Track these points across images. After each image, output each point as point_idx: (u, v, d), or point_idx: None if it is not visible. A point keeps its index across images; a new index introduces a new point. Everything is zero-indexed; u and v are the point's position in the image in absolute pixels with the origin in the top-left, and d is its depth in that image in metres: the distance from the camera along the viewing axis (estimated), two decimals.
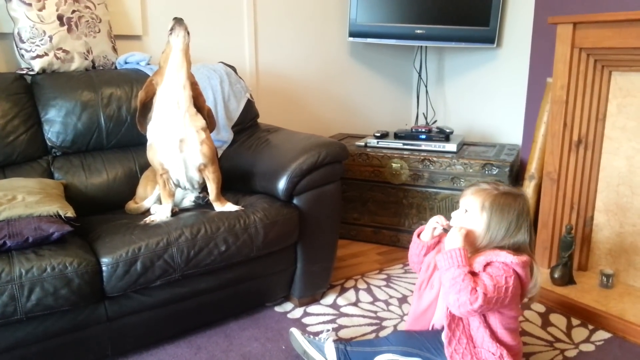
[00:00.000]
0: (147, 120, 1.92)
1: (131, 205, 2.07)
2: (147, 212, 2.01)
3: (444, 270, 1.50)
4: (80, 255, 1.58)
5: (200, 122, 1.91)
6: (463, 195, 1.63)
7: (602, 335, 1.95)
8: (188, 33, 1.83)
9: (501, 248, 1.53)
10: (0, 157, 1.95)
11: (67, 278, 1.52)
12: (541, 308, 2.13)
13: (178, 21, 1.82)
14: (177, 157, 1.89)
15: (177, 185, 1.98)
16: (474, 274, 1.49)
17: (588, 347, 1.88)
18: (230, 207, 1.95)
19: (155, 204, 2.02)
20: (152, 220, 1.85)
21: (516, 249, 1.54)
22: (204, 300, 1.88)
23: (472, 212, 1.57)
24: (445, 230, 1.63)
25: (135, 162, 2.18)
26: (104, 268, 1.61)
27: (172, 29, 1.82)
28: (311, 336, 1.80)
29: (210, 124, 2.00)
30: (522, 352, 1.66)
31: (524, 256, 1.51)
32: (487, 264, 1.50)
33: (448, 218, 1.80)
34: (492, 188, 1.60)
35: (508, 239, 1.54)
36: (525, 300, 1.66)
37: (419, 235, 1.73)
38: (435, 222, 1.67)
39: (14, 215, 1.62)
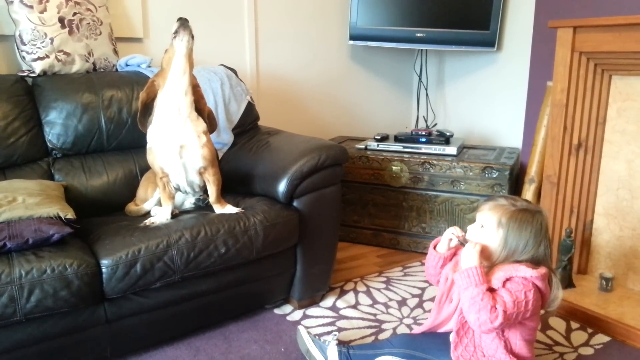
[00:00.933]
0: (148, 121, 1.92)
1: (131, 207, 2.07)
2: (147, 214, 2.01)
3: (463, 290, 1.50)
4: (80, 257, 1.58)
5: (201, 126, 1.91)
6: (480, 210, 1.61)
7: (601, 338, 1.95)
8: (192, 37, 1.82)
9: (519, 262, 1.52)
10: (1, 158, 1.96)
11: (66, 279, 1.53)
12: (540, 311, 2.13)
13: (183, 24, 1.79)
14: (177, 162, 1.88)
15: (177, 189, 1.98)
16: (493, 290, 1.49)
17: (587, 351, 1.88)
18: (230, 209, 1.95)
19: (156, 206, 2.03)
20: (152, 223, 1.86)
21: (535, 262, 1.53)
22: (203, 302, 1.88)
23: (489, 228, 1.56)
24: (461, 243, 1.61)
25: (135, 164, 2.18)
26: (103, 270, 1.62)
27: (176, 32, 1.79)
28: (317, 337, 1.80)
29: (211, 125, 2.00)
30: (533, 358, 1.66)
31: (543, 269, 1.51)
32: (507, 280, 1.49)
33: (448, 221, 1.81)
34: (509, 204, 1.57)
35: (526, 254, 1.52)
36: (542, 312, 1.66)
37: (435, 247, 1.72)
38: (451, 234, 1.65)
39: (14, 216, 1.62)
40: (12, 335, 1.51)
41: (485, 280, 1.49)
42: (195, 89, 1.91)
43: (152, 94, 1.88)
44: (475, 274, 1.48)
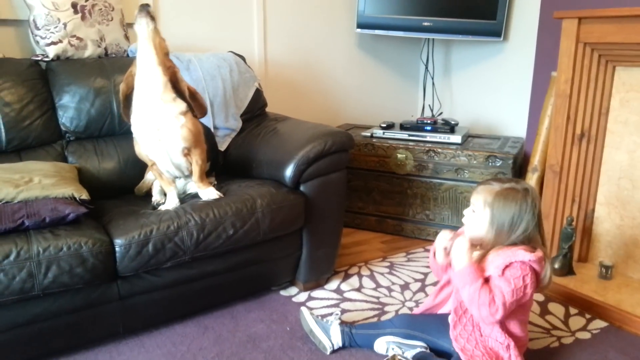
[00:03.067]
0: (130, 111, 1.92)
1: (138, 185, 2.14)
2: (150, 190, 2.07)
3: (460, 289, 1.55)
4: (94, 236, 1.64)
5: (180, 106, 1.88)
6: (472, 195, 1.65)
7: (598, 324, 2.00)
8: (152, 18, 1.81)
9: (516, 245, 1.56)
10: (16, 140, 2.01)
11: (82, 257, 1.59)
12: (540, 297, 2.18)
13: (140, 9, 1.80)
14: (157, 146, 1.88)
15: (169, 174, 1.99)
16: (487, 280, 1.54)
17: (584, 335, 1.93)
18: (211, 191, 1.96)
19: (158, 190, 2.07)
20: (161, 209, 1.91)
21: (529, 243, 1.57)
22: (212, 282, 1.94)
23: (478, 209, 1.61)
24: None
25: None
26: (117, 249, 1.68)
27: (135, 18, 1.80)
28: (319, 317, 1.86)
29: (199, 107, 1.97)
30: (527, 342, 1.71)
31: (539, 252, 1.55)
32: (506, 267, 1.53)
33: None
34: (497, 185, 1.61)
35: (516, 233, 1.56)
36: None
37: (434, 254, 1.73)
38: (444, 239, 1.67)
39: (31, 196, 1.68)
40: (30, 309, 1.58)
41: (480, 274, 1.53)
42: (171, 70, 1.89)
43: (131, 84, 1.87)
44: (469, 273, 1.53)
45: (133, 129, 1.91)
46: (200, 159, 1.94)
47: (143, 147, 1.91)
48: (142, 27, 1.81)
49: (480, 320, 1.56)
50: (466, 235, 1.62)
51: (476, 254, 1.62)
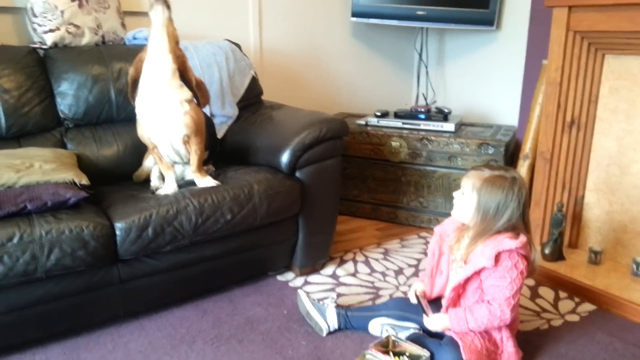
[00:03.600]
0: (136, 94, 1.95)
1: (137, 172, 2.17)
2: (149, 177, 2.10)
3: (468, 327, 1.61)
4: (95, 220, 1.68)
5: (185, 94, 1.93)
6: (463, 178, 1.69)
7: (587, 307, 2.06)
8: (168, 7, 1.86)
9: (500, 232, 1.59)
10: (16, 127, 2.03)
11: (83, 240, 1.62)
12: (531, 282, 2.23)
13: None
14: (160, 130, 1.92)
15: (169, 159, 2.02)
16: (478, 272, 1.59)
17: (573, 318, 1.99)
18: (209, 180, 1.99)
19: (156, 175, 2.10)
20: (159, 194, 1.94)
21: (512, 230, 1.60)
22: (210, 266, 1.98)
23: (466, 193, 1.64)
24: (421, 306, 1.71)
25: None
26: (117, 232, 1.71)
27: (151, 4, 1.85)
28: (316, 300, 1.90)
29: (203, 97, 2.02)
30: (519, 324, 1.77)
31: (523, 237, 1.59)
32: (497, 256, 1.56)
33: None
34: (487, 170, 1.64)
35: (501, 219, 1.59)
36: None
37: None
38: (414, 293, 1.76)
39: (32, 181, 1.71)
40: (33, 291, 1.61)
41: (464, 319, 1.59)
42: (180, 59, 1.94)
43: (140, 69, 1.92)
44: (458, 325, 1.60)
45: (137, 110, 1.94)
46: (198, 149, 1.98)
47: (146, 129, 1.94)
48: (157, 14, 1.86)
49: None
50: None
51: (465, 243, 1.67)
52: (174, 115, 1.91)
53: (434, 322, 1.66)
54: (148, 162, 2.12)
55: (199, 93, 2.00)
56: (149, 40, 1.90)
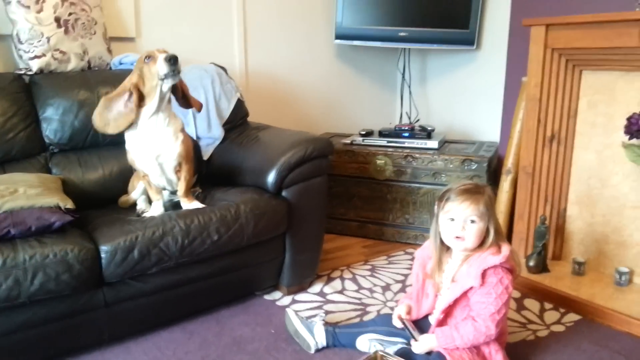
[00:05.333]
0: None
1: (123, 198, 2.17)
2: (135, 203, 2.11)
3: (455, 344, 1.61)
4: (80, 243, 1.67)
5: (178, 123, 1.99)
6: (452, 209, 1.61)
7: (572, 317, 2.07)
8: (179, 72, 1.87)
9: (481, 249, 1.61)
10: (0, 153, 2.03)
11: (68, 264, 1.62)
12: (516, 294, 2.25)
13: (170, 61, 1.81)
14: (154, 164, 1.96)
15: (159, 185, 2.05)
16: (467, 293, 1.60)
17: (559, 328, 2.00)
18: (196, 204, 2.01)
19: (142, 198, 2.11)
20: (145, 216, 1.95)
21: (497, 234, 1.62)
22: (196, 287, 1.97)
23: (477, 221, 1.60)
24: (408, 330, 1.70)
25: None
26: (102, 255, 1.71)
27: (166, 75, 1.84)
28: (304, 318, 1.90)
29: (196, 103, 2.08)
30: (507, 336, 1.78)
31: (506, 249, 1.60)
32: (483, 274, 1.57)
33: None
34: (469, 189, 1.63)
35: (490, 234, 1.61)
36: None
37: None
38: (397, 318, 1.75)
39: (17, 206, 1.70)
40: (16, 317, 1.59)
41: (451, 336, 1.59)
42: (182, 86, 1.99)
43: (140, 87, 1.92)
44: (445, 343, 1.60)
45: (129, 143, 1.97)
46: (188, 175, 2.02)
47: (139, 162, 1.97)
48: (168, 81, 1.87)
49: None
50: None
51: (453, 264, 1.68)
52: (170, 149, 1.95)
53: (422, 345, 1.63)
54: (134, 194, 2.13)
55: (193, 105, 2.05)
56: (156, 94, 1.88)
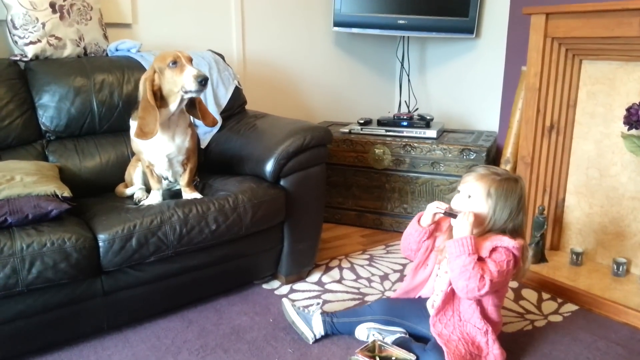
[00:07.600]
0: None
1: (120, 188, 2.15)
2: (131, 196, 2.10)
3: (454, 257, 1.58)
4: (78, 232, 1.66)
5: (187, 119, 1.99)
6: (464, 182, 1.69)
7: (570, 307, 2.08)
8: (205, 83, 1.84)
9: (503, 232, 1.63)
10: None
11: (65, 252, 1.61)
12: (514, 284, 2.26)
13: (202, 80, 1.80)
14: (164, 161, 1.96)
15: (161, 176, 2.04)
16: (480, 259, 1.59)
17: (556, 318, 2.01)
18: (197, 195, 2.01)
19: (140, 189, 2.10)
20: (143, 204, 1.93)
21: (514, 232, 1.64)
22: (195, 276, 1.97)
23: (477, 198, 1.64)
24: (447, 214, 1.67)
25: (127, 146, 2.24)
26: (100, 244, 1.70)
27: (197, 91, 1.84)
28: (301, 308, 1.90)
29: (208, 117, 2.06)
30: (502, 326, 1.78)
31: (521, 240, 1.62)
32: (493, 250, 1.59)
33: (429, 201, 1.87)
34: (492, 173, 1.66)
35: (510, 222, 1.63)
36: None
37: (419, 221, 1.77)
38: (436, 207, 1.71)
39: (13, 194, 1.69)
40: (14, 305, 1.59)
41: (476, 250, 1.58)
42: (199, 98, 1.99)
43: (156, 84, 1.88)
44: (468, 244, 1.57)
45: (136, 145, 1.97)
46: (194, 167, 2.03)
47: (147, 154, 1.96)
48: (190, 94, 1.86)
49: (464, 293, 1.58)
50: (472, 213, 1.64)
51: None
52: (181, 146, 1.97)
53: (457, 224, 1.62)
54: (129, 190, 2.12)
55: (206, 119, 2.04)
56: (177, 100, 1.87)
